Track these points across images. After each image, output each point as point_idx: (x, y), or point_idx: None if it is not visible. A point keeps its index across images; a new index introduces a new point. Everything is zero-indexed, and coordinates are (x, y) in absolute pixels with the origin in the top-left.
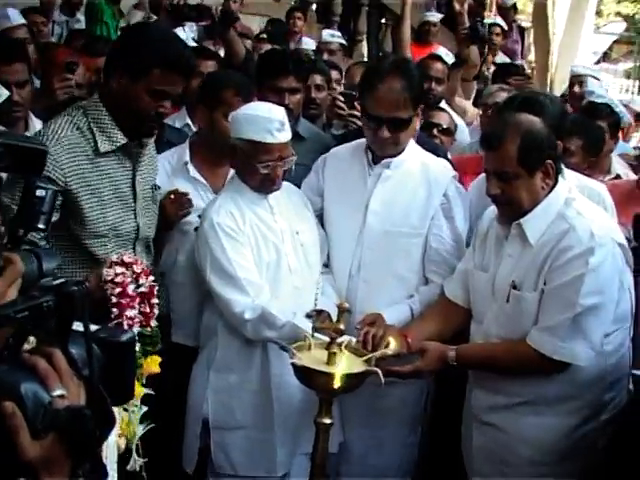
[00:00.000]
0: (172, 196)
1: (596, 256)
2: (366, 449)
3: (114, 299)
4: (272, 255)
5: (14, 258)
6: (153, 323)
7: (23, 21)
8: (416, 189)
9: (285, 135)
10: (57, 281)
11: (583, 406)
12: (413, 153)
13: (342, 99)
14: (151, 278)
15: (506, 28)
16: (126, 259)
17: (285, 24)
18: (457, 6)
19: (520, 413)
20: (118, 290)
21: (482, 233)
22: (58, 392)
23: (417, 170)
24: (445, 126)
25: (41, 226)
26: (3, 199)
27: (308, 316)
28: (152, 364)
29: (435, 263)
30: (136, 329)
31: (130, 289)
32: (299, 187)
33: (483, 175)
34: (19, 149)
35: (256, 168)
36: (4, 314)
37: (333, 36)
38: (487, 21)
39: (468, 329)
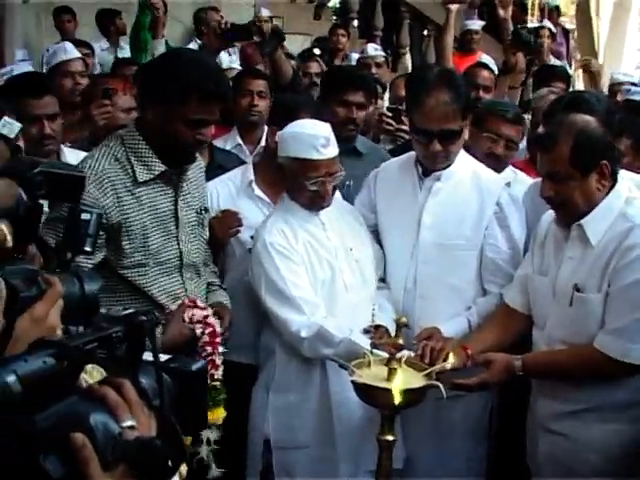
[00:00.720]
0: (220, 215)
1: None
2: (432, 464)
3: (207, 338)
4: (327, 272)
5: (53, 280)
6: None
7: (78, 55)
8: (468, 200)
9: (331, 151)
10: (126, 311)
11: None
12: (463, 163)
13: (389, 114)
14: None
15: (554, 30)
16: (199, 303)
17: (329, 42)
18: (501, 13)
19: (586, 420)
20: (209, 330)
21: (541, 237)
22: (128, 423)
23: (468, 180)
24: None
25: (87, 249)
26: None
27: (365, 332)
28: (216, 414)
29: (492, 273)
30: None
31: (218, 329)
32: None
33: (535, 180)
34: (58, 176)
35: (304, 185)
36: (74, 345)
37: (376, 50)
38: (535, 25)
39: (530, 337)
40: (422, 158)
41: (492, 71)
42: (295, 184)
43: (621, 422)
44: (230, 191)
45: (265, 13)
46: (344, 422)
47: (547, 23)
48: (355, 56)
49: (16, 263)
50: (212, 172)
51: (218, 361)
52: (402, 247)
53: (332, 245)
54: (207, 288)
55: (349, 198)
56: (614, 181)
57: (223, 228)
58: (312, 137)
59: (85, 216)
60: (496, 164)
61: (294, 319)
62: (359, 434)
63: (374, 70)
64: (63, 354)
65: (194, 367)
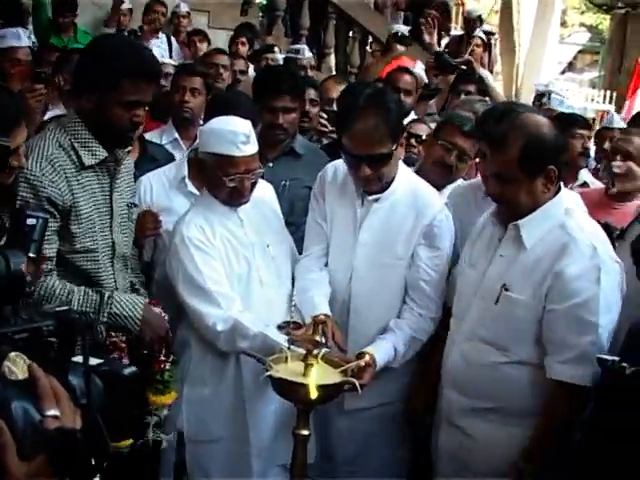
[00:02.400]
0: (141, 214)
1: (603, 273)
2: (349, 464)
3: None
4: (243, 268)
5: None
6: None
7: (28, 43)
8: (404, 219)
9: (250, 148)
10: (60, 308)
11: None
12: (403, 182)
13: (324, 116)
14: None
15: (486, 40)
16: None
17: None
18: (427, 38)
19: (489, 420)
20: None
21: (476, 231)
22: (51, 412)
23: (406, 200)
24: (424, 137)
25: (32, 255)
26: None
27: (280, 328)
28: (170, 397)
29: (413, 291)
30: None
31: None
32: (295, 203)
33: (457, 184)
34: None
35: (223, 181)
36: (2, 333)
37: (298, 52)
38: (459, 33)
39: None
40: (354, 181)
41: (413, 75)
42: (214, 180)
43: (523, 427)
44: (164, 185)
45: (184, 8)
46: (257, 416)
47: (479, 32)
48: (278, 57)
49: None
50: (145, 164)
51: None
52: (340, 261)
53: (249, 241)
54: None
55: (285, 198)
56: (559, 188)
57: (141, 228)
58: (232, 134)
59: (31, 221)
60: (446, 174)
61: (210, 312)
62: (272, 428)
63: (309, 72)
64: None
65: (126, 372)
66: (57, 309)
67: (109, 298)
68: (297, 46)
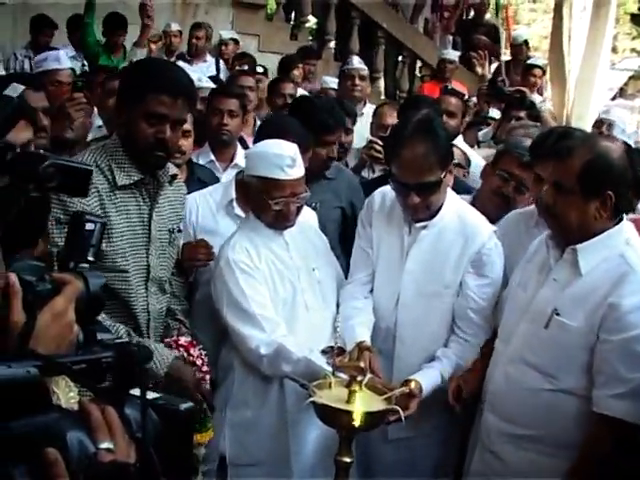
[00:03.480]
0: (193, 242)
1: None
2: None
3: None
4: (288, 291)
5: (69, 278)
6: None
7: (70, 65)
8: (451, 247)
9: (296, 171)
10: (119, 340)
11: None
12: (451, 209)
13: (379, 142)
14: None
15: (546, 69)
16: (182, 342)
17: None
18: (479, 70)
19: (524, 447)
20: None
21: (529, 253)
22: (105, 445)
23: (454, 227)
24: (456, 161)
25: (90, 258)
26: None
27: (324, 353)
28: (206, 436)
29: (460, 320)
30: None
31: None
32: (327, 225)
33: (508, 216)
34: (68, 169)
35: (269, 205)
36: (60, 363)
37: (360, 62)
38: (507, 58)
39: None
40: (403, 208)
41: (461, 98)
42: (259, 203)
43: (560, 459)
44: (210, 207)
45: (227, 36)
46: (299, 441)
47: (538, 61)
48: (329, 79)
49: (22, 258)
50: (192, 186)
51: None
52: (386, 288)
53: (294, 265)
54: (175, 324)
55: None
56: (617, 217)
57: (191, 257)
58: (278, 157)
59: (89, 226)
60: (503, 205)
61: (254, 336)
62: (314, 454)
63: (357, 82)
64: (49, 369)
65: (183, 407)
66: (116, 341)
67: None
68: (353, 60)
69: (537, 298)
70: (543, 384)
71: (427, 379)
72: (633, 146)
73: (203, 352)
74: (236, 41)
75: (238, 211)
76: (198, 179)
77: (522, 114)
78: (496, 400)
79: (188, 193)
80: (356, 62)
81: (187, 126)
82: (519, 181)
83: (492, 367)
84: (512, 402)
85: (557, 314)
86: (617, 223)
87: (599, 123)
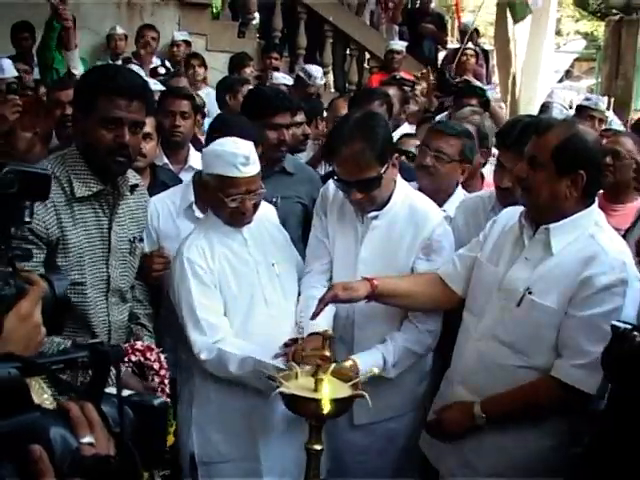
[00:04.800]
0: (149, 254)
1: (629, 289)
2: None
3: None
4: (245, 288)
5: (34, 278)
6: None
7: (15, 73)
8: (403, 235)
9: (251, 169)
10: (93, 340)
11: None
12: (400, 197)
13: None
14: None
15: (478, 51)
16: (139, 347)
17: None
18: (422, 84)
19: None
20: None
21: (499, 227)
22: (87, 440)
23: (404, 215)
24: (415, 152)
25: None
26: None
27: (286, 345)
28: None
29: None
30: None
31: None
32: (288, 218)
33: (465, 199)
34: (27, 174)
35: (225, 202)
36: (40, 363)
37: (310, 76)
38: (455, 46)
39: (453, 319)
40: (350, 203)
41: (402, 88)
42: (216, 201)
43: (531, 432)
44: (170, 211)
45: (179, 37)
46: (266, 433)
47: (470, 44)
48: (278, 75)
49: None
50: (157, 190)
51: (166, 390)
52: (343, 277)
53: (253, 260)
54: (137, 328)
55: (277, 214)
56: (588, 200)
57: (149, 268)
58: (232, 155)
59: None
60: (428, 177)
61: (196, 340)
62: (282, 444)
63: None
64: (29, 370)
65: (155, 402)
66: (91, 341)
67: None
68: (311, 69)
69: (509, 275)
70: (514, 361)
71: (365, 360)
72: None
73: (162, 355)
74: (188, 42)
75: (198, 214)
76: (162, 182)
77: (473, 101)
78: (467, 374)
79: (152, 196)
80: (319, 80)
81: (148, 129)
82: (436, 149)
83: (462, 341)
84: (483, 377)
85: (529, 292)
86: (588, 206)
87: (544, 107)
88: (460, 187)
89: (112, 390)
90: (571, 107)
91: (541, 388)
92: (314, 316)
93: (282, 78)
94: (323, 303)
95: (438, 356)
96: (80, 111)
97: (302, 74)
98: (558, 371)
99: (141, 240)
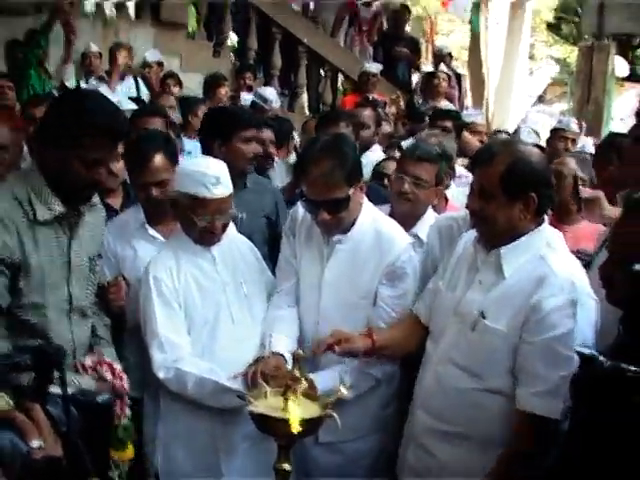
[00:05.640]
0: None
1: (580, 309)
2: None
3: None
4: (211, 307)
5: None
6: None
7: None
8: (367, 259)
9: (221, 190)
10: (34, 343)
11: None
12: (366, 221)
13: None
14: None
15: (450, 74)
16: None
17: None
18: (393, 109)
19: (456, 444)
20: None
21: (457, 254)
22: (36, 444)
23: (369, 240)
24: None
25: None
26: None
27: (250, 365)
28: (126, 453)
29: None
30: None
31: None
32: (254, 235)
33: (439, 219)
34: None
35: (194, 221)
36: None
37: (266, 101)
38: (429, 69)
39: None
40: (317, 225)
41: (375, 109)
42: (186, 219)
43: (489, 455)
44: (124, 234)
45: (151, 58)
46: (231, 452)
47: (443, 67)
48: (248, 97)
49: None
50: (130, 206)
51: (126, 402)
52: (308, 299)
53: (221, 279)
54: (96, 340)
55: (243, 231)
56: (540, 218)
57: (108, 299)
58: (202, 175)
59: None
60: (407, 203)
61: (155, 358)
62: (246, 464)
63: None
64: None
65: (99, 400)
66: (33, 344)
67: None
68: (266, 93)
69: (464, 300)
70: (471, 384)
71: (322, 379)
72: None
73: (118, 367)
74: (160, 63)
75: (152, 232)
76: (135, 201)
77: (448, 124)
78: (426, 398)
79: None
80: (276, 103)
81: (119, 149)
82: (414, 176)
83: (422, 367)
84: (441, 400)
85: (483, 317)
86: (538, 224)
87: (515, 130)
88: (430, 209)
89: (55, 389)
90: (538, 133)
91: (520, 431)
92: (314, 354)
93: (268, 93)
94: (320, 349)
95: (406, 381)
96: (56, 138)
97: (257, 99)
98: (521, 402)
99: (100, 257)
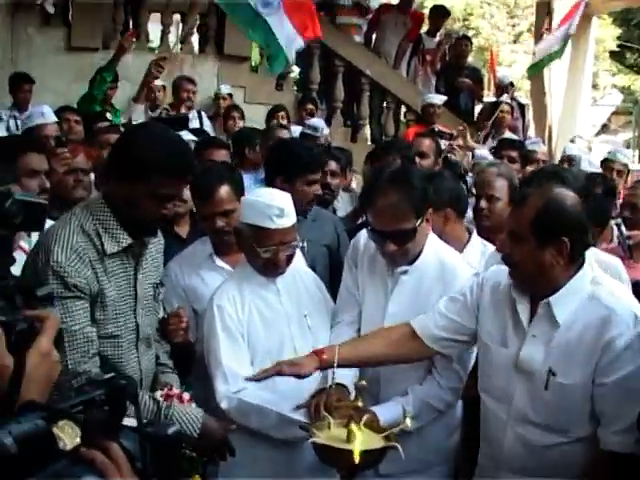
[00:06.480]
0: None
1: None
2: None
3: None
4: (275, 339)
5: (45, 314)
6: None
7: (55, 119)
8: (431, 291)
9: (285, 221)
10: (107, 375)
11: None
12: (431, 253)
13: None
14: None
15: (514, 105)
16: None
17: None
18: (461, 142)
19: None
20: None
21: (488, 298)
22: None
23: (433, 271)
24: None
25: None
26: None
27: (298, 408)
28: None
29: (436, 360)
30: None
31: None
32: (316, 264)
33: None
34: (28, 204)
35: (258, 252)
36: (60, 408)
37: (317, 129)
38: (492, 99)
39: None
40: (381, 256)
41: (436, 140)
42: (250, 250)
43: None
44: (192, 266)
45: (225, 90)
46: None
47: (506, 98)
48: (295, 128)
49: None
50: (196, 236)
51: None
52: (371, 330)
53: (284, 311)
54: (160, 368)
55: (306, 259)
56: (577, 262)
57: (169, 332)
58: (267, 206)
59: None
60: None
61: (218, 388)
62: None
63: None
64: (53, 417)
65: (169, 431)
66: (106, 376)
67: (167, 409)
68: (314, 122)
69: (523, 356)
70: (557, 439)
71: (384, 412)
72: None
73: (187, 396)
74: (231, 95)
75: (220, 263)
76: (202, 230)
77: (513, 153)
78: (514, 461)
79: (188, 244)
80: (325, 130)
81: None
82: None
83: (495, 427)
84: (531, 459)
85: (553, 374)
86: (580, 266)
87: (567, 159)
88: (475, 235)
89: (127, 421)
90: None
91: (596, 470)
92: (249, 379)
93: (317, 122)
94: (264, 375)
95: (467, 408)
96: (127, 174)
97: (307, 130)
98: (605, 442)
99: (162, 285)
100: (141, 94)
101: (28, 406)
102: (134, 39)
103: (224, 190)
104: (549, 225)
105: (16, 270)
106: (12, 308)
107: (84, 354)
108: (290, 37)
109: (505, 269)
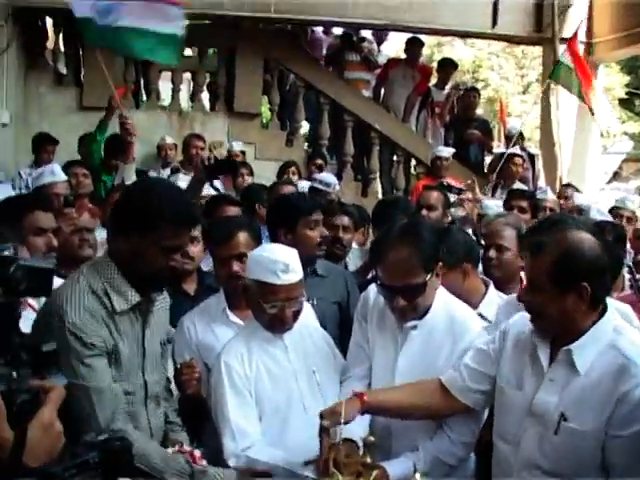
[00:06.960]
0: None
1: None
2: None
3: None
4: (282, 396)
5: (49, 385)
6: None
7: (65, 177)
8: (441, 345)
9: (291, 277)
10: (101, 437)
11: None
12: (441, 308)
13: None
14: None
15: (524, 156)
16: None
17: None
18: (470, 195)
19: None
20: None
21: (511, 344)
22: None
23: (443, 325)
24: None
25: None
26: None
27: (306, 464)
28: None
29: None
30: None
31: None
32: (326, 321)
33: (509, 297)
34: (32, 270)
35: (264, 308)
36: (53, 472)
37: (329, 185)
38: (502, 150)
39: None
40: (390, 311)
41: (444, 193)
42: (256, 306)
43: None
44: (205, 321)
45: (237, 147)
46: None
47: (517, 150)
48: (304, 183)
49: None
50: (203, 294)
51: None
52: (380, 385)
53: (292, 367)
54: (169, 426)
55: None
56: (599, 307)
57: (181, 382)
58: (271, 262)
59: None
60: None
61: (226, 446)
62: None
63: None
64: None
65: None
66: (99, 438)
67: (200, 474)
68: (324, 177)
69: (538, 399)
70: None
71: (395, 467)
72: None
73: (198, 453)
74: (243, 152)
75: (233, 318)
76: (209, 287)
77: (523, 203)
78: None
79: (200, 301)
80: (336, 186)
81: (195, 232)
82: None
83: (503, 472)
84: None
85: (565, 419)
86: (602, 312)
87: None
88: (492, 287)
89: None
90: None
91: None
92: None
93: (327, 177)
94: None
95: (480, 460)
96: (132, 227)
97: (317, 185)
98: None
99: (169, 342)
100: (128, 155)
101: (23, 472)
102: (123, 97)
103: (242, 235)
104: (568, 273)
105: (26, 327)
106: (13, 378)
107: (115, 411)
108: (161, 15)
109: (527, 316)
